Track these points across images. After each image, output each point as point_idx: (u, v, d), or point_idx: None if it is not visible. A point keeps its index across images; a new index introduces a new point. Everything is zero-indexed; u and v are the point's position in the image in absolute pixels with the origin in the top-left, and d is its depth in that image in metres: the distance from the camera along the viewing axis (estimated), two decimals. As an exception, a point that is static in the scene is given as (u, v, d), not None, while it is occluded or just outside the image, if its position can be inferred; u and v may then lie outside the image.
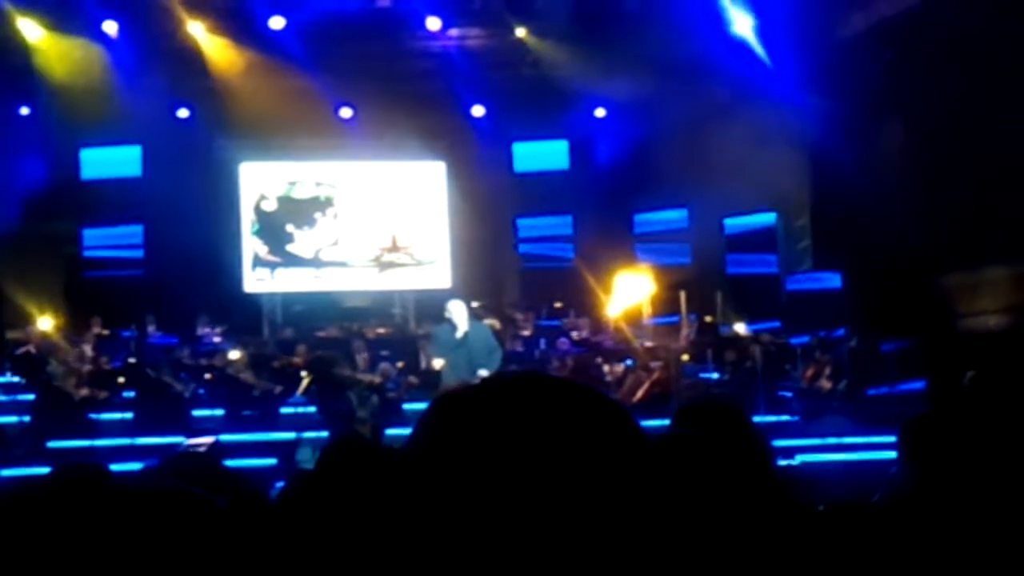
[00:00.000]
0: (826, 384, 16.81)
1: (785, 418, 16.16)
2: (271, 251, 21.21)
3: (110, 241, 20.36)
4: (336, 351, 17.51)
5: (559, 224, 22.08)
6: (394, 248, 21.63)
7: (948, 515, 3.07)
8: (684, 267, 20.23)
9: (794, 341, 18.14)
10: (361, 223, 21.54)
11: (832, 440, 14.68)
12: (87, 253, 20.42)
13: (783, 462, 12.32)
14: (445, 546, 1.21)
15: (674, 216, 21.05)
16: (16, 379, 17.14)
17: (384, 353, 17.97)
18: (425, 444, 1.28)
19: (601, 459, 1.24)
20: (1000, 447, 3.89)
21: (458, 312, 13.56)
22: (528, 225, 22.28)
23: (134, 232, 20.32)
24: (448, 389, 1.36)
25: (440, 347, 13.62)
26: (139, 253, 20.37)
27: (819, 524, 3.39)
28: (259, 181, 21.45)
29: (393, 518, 1.25)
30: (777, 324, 18.96)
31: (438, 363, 13.67)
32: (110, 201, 19.53)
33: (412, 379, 17.35)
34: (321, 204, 21.52)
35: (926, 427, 3.64)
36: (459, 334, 13.35)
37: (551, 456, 1.22)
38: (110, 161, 20.28)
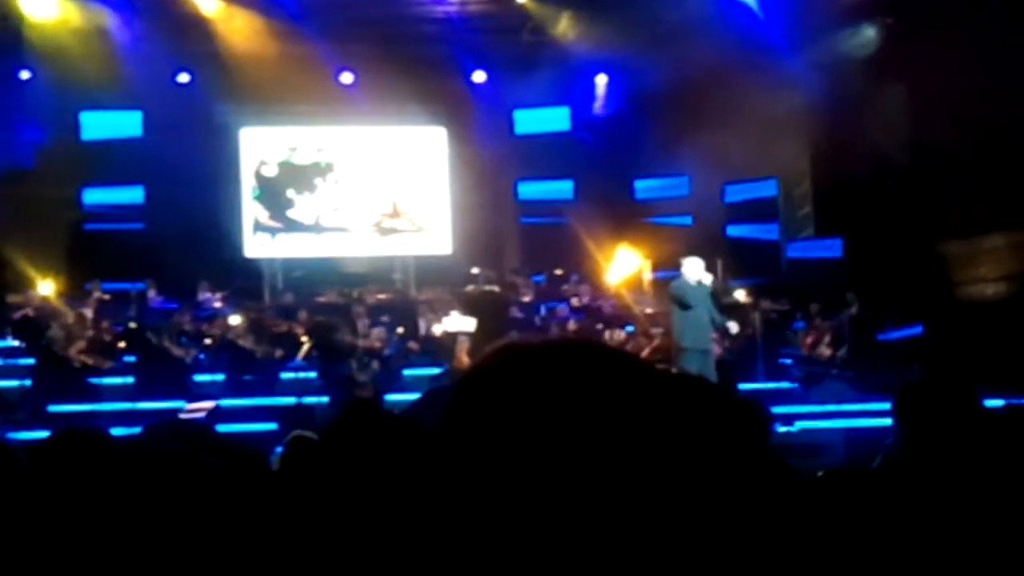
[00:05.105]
0: (826, 351, 16.82)
1: (785, 385, 16.19)
2: (272, 216, 21.20)
3: (110, 201, 20.20)
4: (336, 316, 17.52)
5: (560, 191, 21.90)
6: (394, 214, 21.61)
7: (940, 481, 3.09)
8: (685, 230, 20.12)
9: (797, 326, 18.08)
10: (362, 188, 21.51)
11: (832, 407, 14.68)
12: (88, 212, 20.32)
13: (782, 429, 12.36)
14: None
15: (675, 182, 20.91)
16: (16, 343, 17.14)
17: (384, 319, 17.97)
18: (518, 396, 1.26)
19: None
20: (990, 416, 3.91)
21: (699, 268, 13.76)
22: (529, 191, 22.04)
23: (134, 195, 20.18)
24: (507, 344, 1.33)
25: (693, 298, 13.58)
26: (138, 218, 20.28)
27: (818, 490, 3.41)
28: (260, 146, 21.42)
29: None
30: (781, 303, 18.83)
31: (681, 317, 13.61)
32: (110, 164, 19.42)
33: (412, 344, 17.37)
34: (322, 169, 21.49)
35: (921, 394, 3.65)
36: (708, 284, 13.65)
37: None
38: (110, 124, 20.15)
